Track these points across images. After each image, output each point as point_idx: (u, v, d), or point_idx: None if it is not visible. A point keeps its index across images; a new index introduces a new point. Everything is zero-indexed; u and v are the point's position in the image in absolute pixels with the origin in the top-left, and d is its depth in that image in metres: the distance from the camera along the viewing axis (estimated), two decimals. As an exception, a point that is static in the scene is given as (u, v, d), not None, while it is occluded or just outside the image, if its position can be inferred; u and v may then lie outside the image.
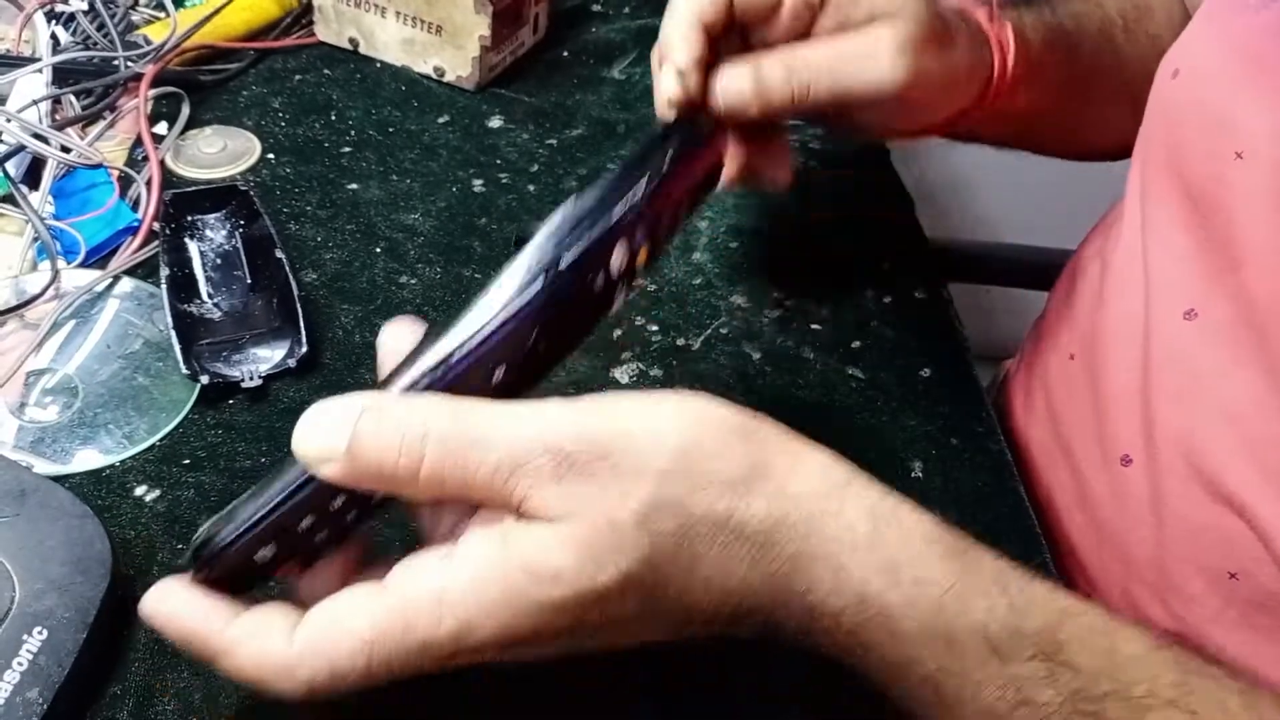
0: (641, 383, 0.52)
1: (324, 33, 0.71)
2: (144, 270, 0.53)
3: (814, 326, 0.57)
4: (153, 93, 0.63)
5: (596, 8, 0.80)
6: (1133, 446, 0.49)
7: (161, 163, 0.58)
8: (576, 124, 0.68)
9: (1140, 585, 0.49)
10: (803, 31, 0.44)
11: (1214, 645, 0.46)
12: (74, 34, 0.65)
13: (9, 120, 0.56)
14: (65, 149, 0.57)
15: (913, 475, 0.50)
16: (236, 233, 0.55)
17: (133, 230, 0.55)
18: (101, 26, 0.64)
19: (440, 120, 0.67)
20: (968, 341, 0.58)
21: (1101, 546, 0.52)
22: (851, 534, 0.31)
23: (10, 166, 0.55)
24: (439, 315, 0.54)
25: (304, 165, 0.62)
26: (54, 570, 0.39)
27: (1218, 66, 0.47)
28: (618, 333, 0.54)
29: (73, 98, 0.60)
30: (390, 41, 0.69)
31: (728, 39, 0.44)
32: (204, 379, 0.48)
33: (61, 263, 0.52)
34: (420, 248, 0.58)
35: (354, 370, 0.51)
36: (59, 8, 0.65)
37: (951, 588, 0.31)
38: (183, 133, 0.62)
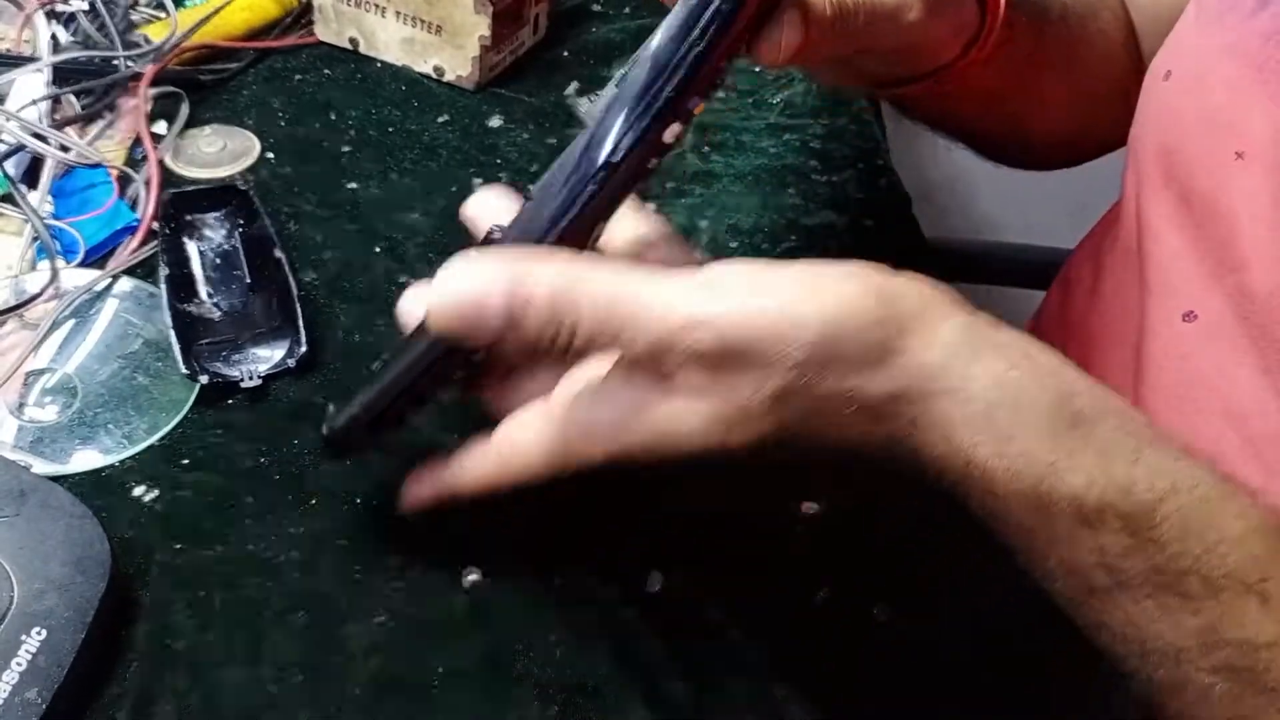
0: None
1: (324, 32, 0.71)
2: (143, 270, 0.53)
3: (814, 326, 0.57)
4: (152, 92, 0.63)
5: (596, 8, 0.80)
6: None
7: (161, 162, 0.58)
8: (576, 124, 0.68)
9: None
10: None
11: None
12: (74, 33, 0.65)
13: (8, 119, 0.56)
14: (64, 148, 0.57)
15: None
16: (236, 232, 0.55)
17: (132, 230, 0.55)
18: (101, 26, 0.64)
19: (440, 120, 0.67)
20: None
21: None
22: (967, 407, 0.32)
23: (10, 166, 0.55)
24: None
25: (304, 165, 0.62)
26: (53, 570, 0.38)
27: (1214, 68, 0.47)
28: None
29: (72, 97, 0.60)
30: (390, 41, 0.69)
31: None
32: (203, 379, 0.48)
33: (61, 262, 0.52)
34: (420, 247, 0.58)
35: (354, 370, 0.51)
36: (59, 7, 0.65)
37: (1055, 462, 0.32)
38: (182, 132, 0.62)
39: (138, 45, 0.64)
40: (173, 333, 0.49)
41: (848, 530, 0.47)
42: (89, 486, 0.44)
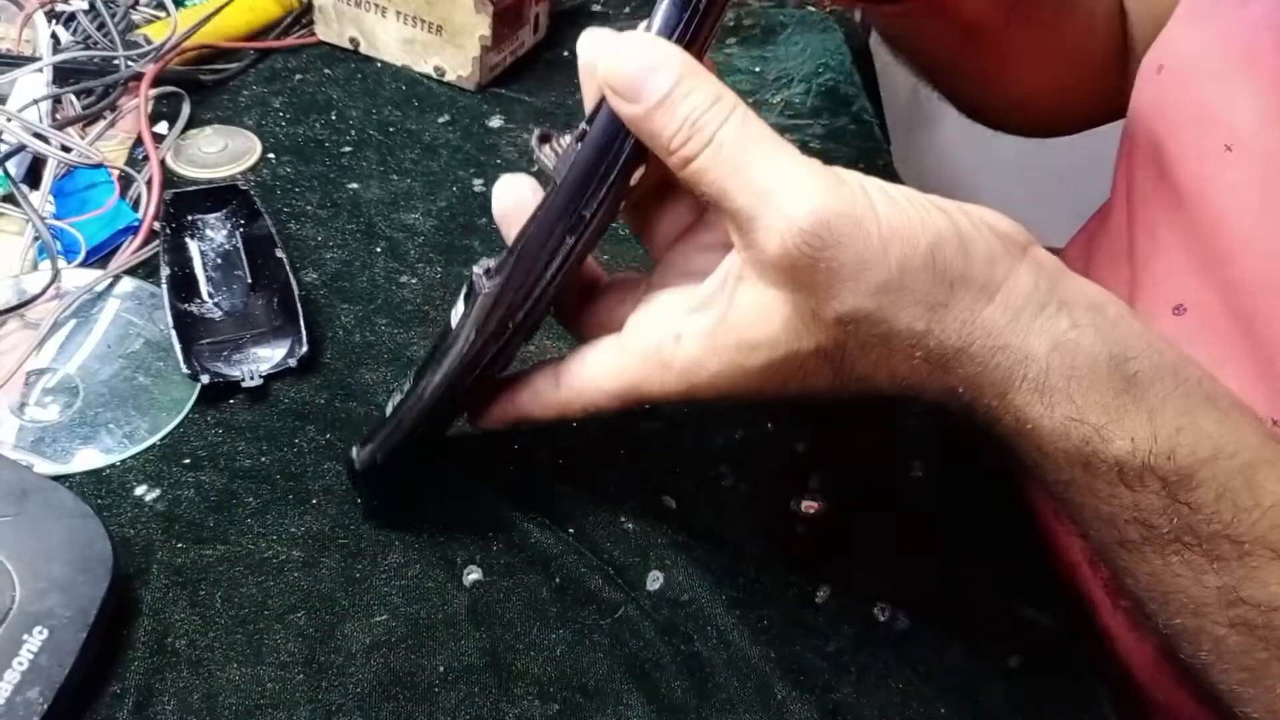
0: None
1: (324, 32, 0.71)
2: (144, 270, 0.53)
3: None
4: (153, 92, 0.63)
5: (596, 8, 0.80)
6: None
7: (162, 162, 0.59)
8: (576, 124, 0.68)
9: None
10: None
11: None
12: (74, 33, 0.65)
13: (9, 120, 0.56)
14: (66, 148, 0.57)
15: (913, 475, 0.50)
16: (237, 232, 0.55)
17: (133, 230, 0.55)
18: (102, 26, 0.64)
19: (440, 120, 0.67)
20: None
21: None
22: (1024, 367, 0.33)
23: (11, 166, 0.55)
24: (440, 315, 0.54)
25: (304, 165, 0.62)
26: (55, 570, 0.39)
27: (1205, 61, 0.47)
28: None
29: (73, 97, 0.60)
30: (390, 41, 0.69)
31: None
32: (204, 378, 0.48)
33: (62, 262, 0.52)
34: (420, 247, 0.58)
35: (354, 370, 0.51)
36: (59, 7, 0.65)
37: (1104, 425, 0.33)
38: (183, 132, 0.62)
39: (138, 45, 0.64)
40: (174, 333, 0.49)
41: (848, 530, 0.47)
42: (90, 486, 0.44)
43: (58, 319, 0.50)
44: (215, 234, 0.55)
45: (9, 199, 0.54)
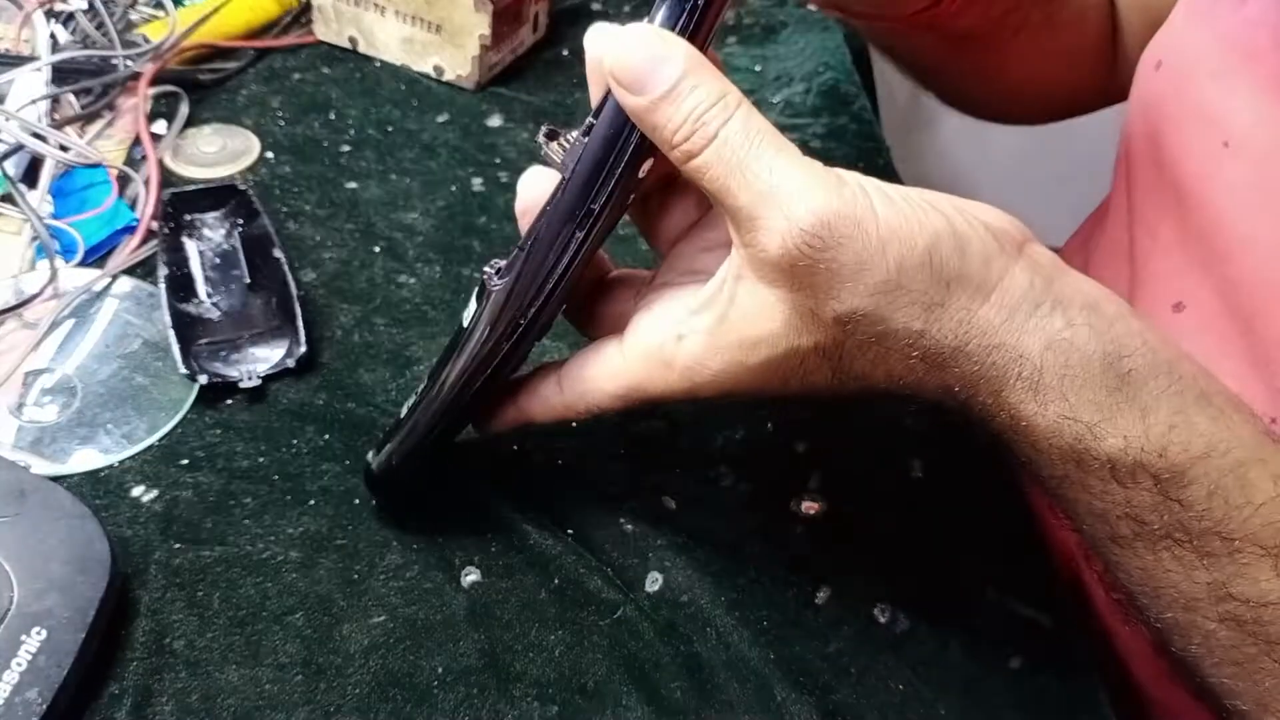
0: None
1: (323, 32, 0.71)
2: (142, 270, 0.53)
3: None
4: (152, 92, 0.63)
5: (596, 7, 0.80)
6: None
7: (160, 162, 0.58)
8: (576, 123, 0.68)
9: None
10: None
11: None
12: (73, 33, 0.65)
13: (8, 119, 0.55)
14: (64, 148, 0.57)
15: (913, 475, 0.50)
16: (235, 232, 0.55)
17: (131, 229, 0.55)
18: (100, 25, 0.64)
19: (440, 119, 0.67)
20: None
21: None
22: (1018, 365, 0.33)
23: (9, 165, 0.55)
24: (439, 315, 0.54)
25: (303, 164, 0.62)
26: (53, 570, 0.38)
27: (1203, 58, 0.47)
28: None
29: (71, 97, 0.60)
30: (390, 40, 0.69)
31: None
32: (202, 379, 0.48)
33: (60, 262, 0.52)
34: (419, 247, 0.58)
35: (353, 370, 0.51)
36: (58, 6, 0.65)
37: (1097, 424, 0.33)
38: (182, 132, 0.62)
39: (137, 45, 0.64)
40: (172, 333, 0.49)
41: (848, 530, 0.47)
42: (88, 486, 0.44)
43: (56, 319, 0.50)
44: (213, 234, 0.55)
45: (7, 198, 0.54)
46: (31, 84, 0.59)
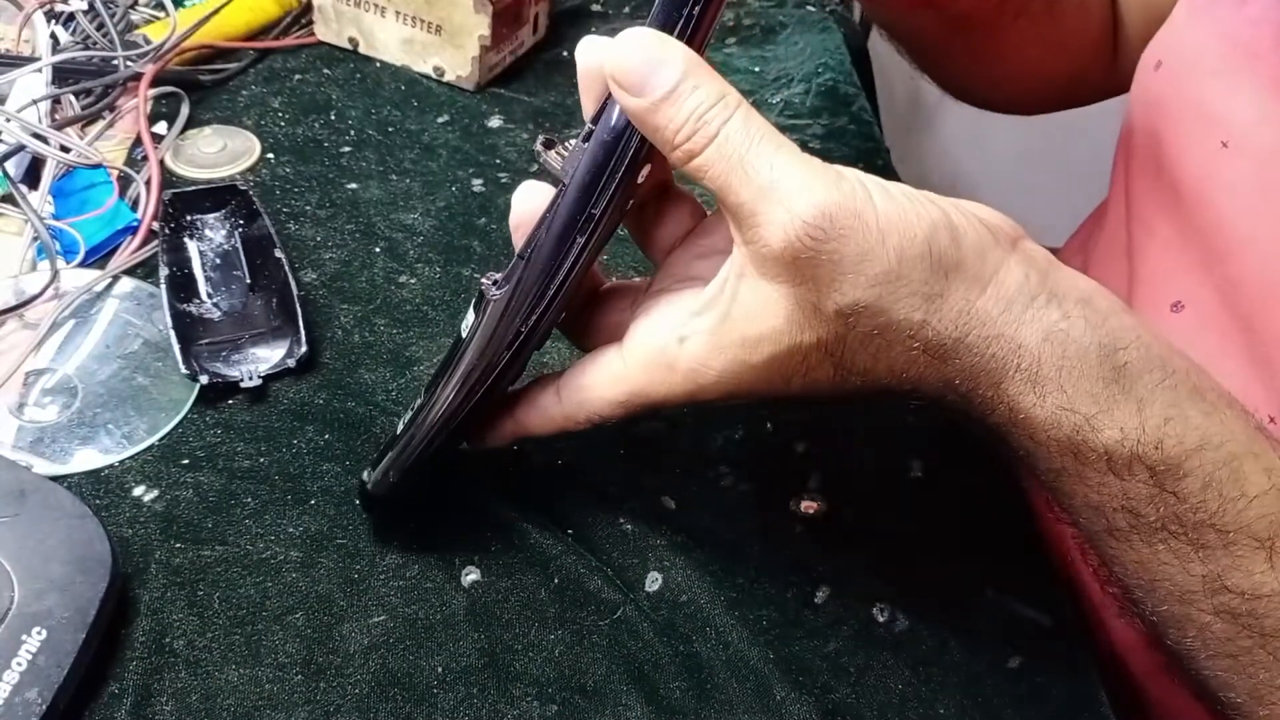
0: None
1: (324, 32, 0.71)
2: (143, 270, 0.53)
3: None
4: (152, 92, 0.63)
5: (596, 7, 0.80)
6: None
7: (161, 162, 0.58)
8: (576, 124, 0.68)
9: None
10: None
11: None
12: (74, 33, 0.65)
13: (9, 120, 0.56)
14: (65, 149, 0.57)
15: (912, 475, 0.50)
16: (236, 232, 0.55)
17: (132, 230, 0.55)
18: (101, 26, 0.64)
19: (440, 120, 0.67)
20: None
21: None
22: (1017, 357, 0.33)
23: (10, 166, 0.55)
24: (439, 315, 0.54)
25: (303, 165, 0.62)
26: (53, 570, 0.39)
27: (1203, 57, 0.48)
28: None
29: (72, 97, 0.60)
30: (390, 41, 0.69)
31: None
32: (203, 379, 0.48)
33: (61, 262, 0.52)
34: (420, 247, 0.58)
35: (353, 370, 0.51)
36: (59, 7, 0.65)
37: (1093, 416, 0.34)
38: (182, 132, 0.62)
39: (137, 45, 0.64)
40: (173, 333, 0.49)
41: (847, 530, 0.47)
42: (89, 486, 0.44)
43: (56, 319, 0.50)
44: (214, 234, 0.55)
45: (8, 199, 0.54)
46: (32, 85, 0.59)
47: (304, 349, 0.49)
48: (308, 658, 0.40)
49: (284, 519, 0.44)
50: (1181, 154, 0.47)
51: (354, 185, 0.61)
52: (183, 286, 0.52)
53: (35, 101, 0.58)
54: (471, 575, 0.43)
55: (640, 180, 0.36)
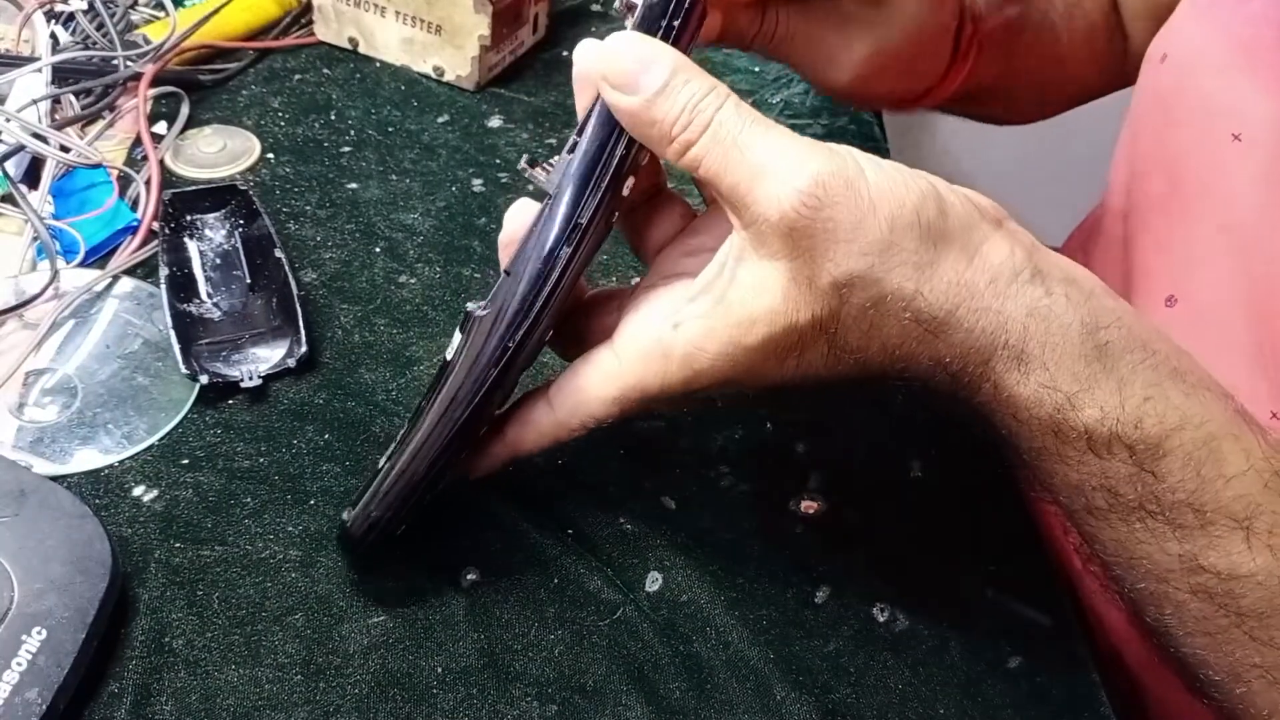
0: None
1: (323, 32, 0.71)
2: (143, 270, 0.53)
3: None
4: (152, 92, 0.63)
5: (596, 8, 0.80)
6: None
7: (161, 162, 0.58)
8: (575, 124, 0.68)
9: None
10: None
11: None
12: (73, 33, 0.65)
13: (8, 120, 0.56)
14: (65, 148, 0.57)
15: (912, 475, 0.50)
16: (236, 232, 0.55)
17: (132, 230, 0.55)
18: (101, 26, 0.64)
19: (440, 120, 0.67)
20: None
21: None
22: (1004, 333, 0.34)
23: (10, 166, 0.55)
24: (439, 315, 0.54)
25: (303, 165, 0.62)
26: (53, 570, 0.38)
27: (1209, 52, 0.48)
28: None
29: (72, 97, 0.60)
30: (390, 41, 0.69)
31: None
32: (203, 379, 0.48)
33: (61, 262, 0.52)
34: (420, 247, 0.58)
35: (353, 370, 0.51)
36: (58, 7, 0.65)
37: (1075, 394, 0.34)
38: (182, 132, 0.62)
39: (137, 45, 0.64)
40: (173, 333, 0.49)
41: (847, 530, 0.47)
42: (89, 486, 0.44)
43: (56, 319, 0.50)
44: (214, 234, 0.55)
45: (8, 199, 0.54)
46: (32, 85, 0.59)
47: (304, 349, 0.49)
48: (307, 658, 0.40)
49: (283, 519, 0.44)
50: (1188, 145, 0.48)
51: (354, 185, 0.61)
52: (183, 286, 0.52)
53: (35, 101, 0.58)
54: (471, 575, 0.43)
55: (625, 193, 0.36)
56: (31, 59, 0.61)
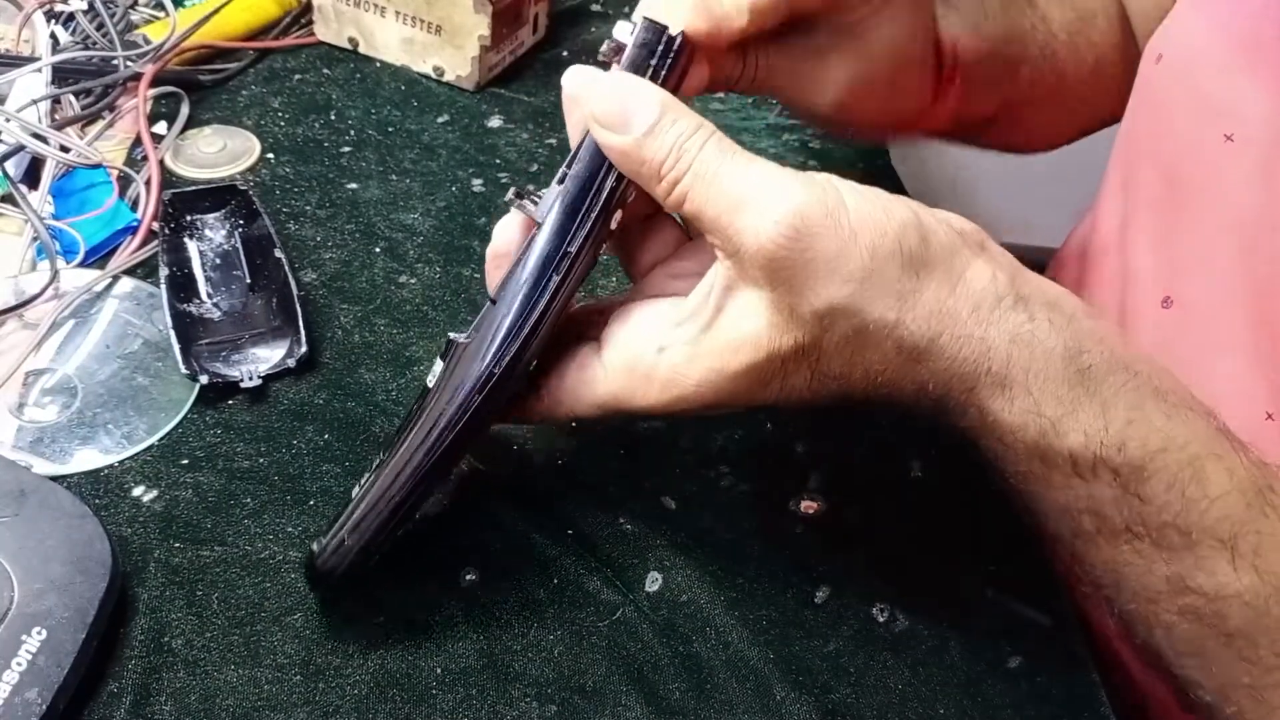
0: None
1: (323, 32, 0.71)
2: (143, 270, 0.53)
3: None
4: (152, 92, 0.63)
5: (596, 8, 0.80)
6: None
7: (161, 162, 0.58)
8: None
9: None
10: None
11: None
12: (73, 33, 0.65)
13: (8, 120, 0.56)
14: (65, 149, 0.57)
15: (912, 475, 0.50)
16: (236, 232, 0.55)
17: (132, 230, 0.55)
18: (101, 26, 0.64)
19: (440, 120, 0.67)
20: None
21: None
22: (987, 360, 0.34)
23: (10, 166, 0.55)
24: (439, 315, 0.54)
25: (303, 165, 0.62)
26: (53, 570, 0.39)
27: (1206, 50, 0.48)
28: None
29: (72, 97, 0.60)
30: (390, 41, 0.69)
31: None
32: (203, 379, 0.48)
33: (61, 262, 0.52)
34: (420, 247, 0.58)
35: (353, 370, 0.51)
36: (58, 7, 0.65)
37: (1059, 419, 0.34)
38: (182, 132, 0.62)
39: (137, 45, 0.64)
40: (173, 333, 0.49)
41: (847, 530, 0.47)
42: (88, 486, 0.44)
43: (56, 319, 0.50)
44: (214, 234, 0.55)
45: (8, 199, 0.54)
46: (32, 85, 0.59)
47: (304, 349, 0.49)
48: (306, 658, 0.40)
49: (283, 519, 0.44)
50: (1183, 145, 0.47)
51: (354, 185, 0.61)
52: (183, 286, 0.52)
53: (35, 101, 0.58)
54: (470, 575, 0.43)
55: (614, 226, 0.37)
56: (31, 59, 0.61)
